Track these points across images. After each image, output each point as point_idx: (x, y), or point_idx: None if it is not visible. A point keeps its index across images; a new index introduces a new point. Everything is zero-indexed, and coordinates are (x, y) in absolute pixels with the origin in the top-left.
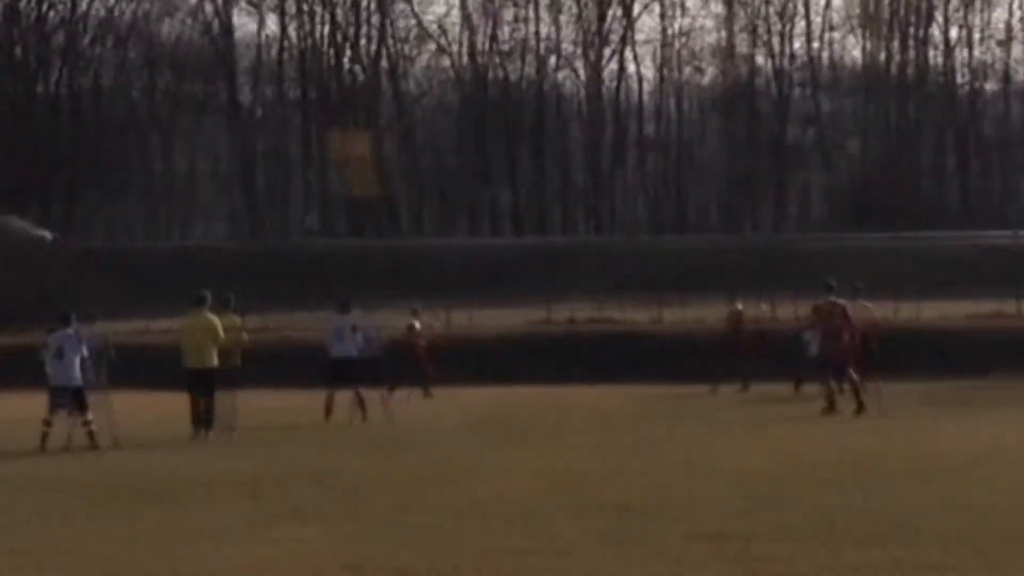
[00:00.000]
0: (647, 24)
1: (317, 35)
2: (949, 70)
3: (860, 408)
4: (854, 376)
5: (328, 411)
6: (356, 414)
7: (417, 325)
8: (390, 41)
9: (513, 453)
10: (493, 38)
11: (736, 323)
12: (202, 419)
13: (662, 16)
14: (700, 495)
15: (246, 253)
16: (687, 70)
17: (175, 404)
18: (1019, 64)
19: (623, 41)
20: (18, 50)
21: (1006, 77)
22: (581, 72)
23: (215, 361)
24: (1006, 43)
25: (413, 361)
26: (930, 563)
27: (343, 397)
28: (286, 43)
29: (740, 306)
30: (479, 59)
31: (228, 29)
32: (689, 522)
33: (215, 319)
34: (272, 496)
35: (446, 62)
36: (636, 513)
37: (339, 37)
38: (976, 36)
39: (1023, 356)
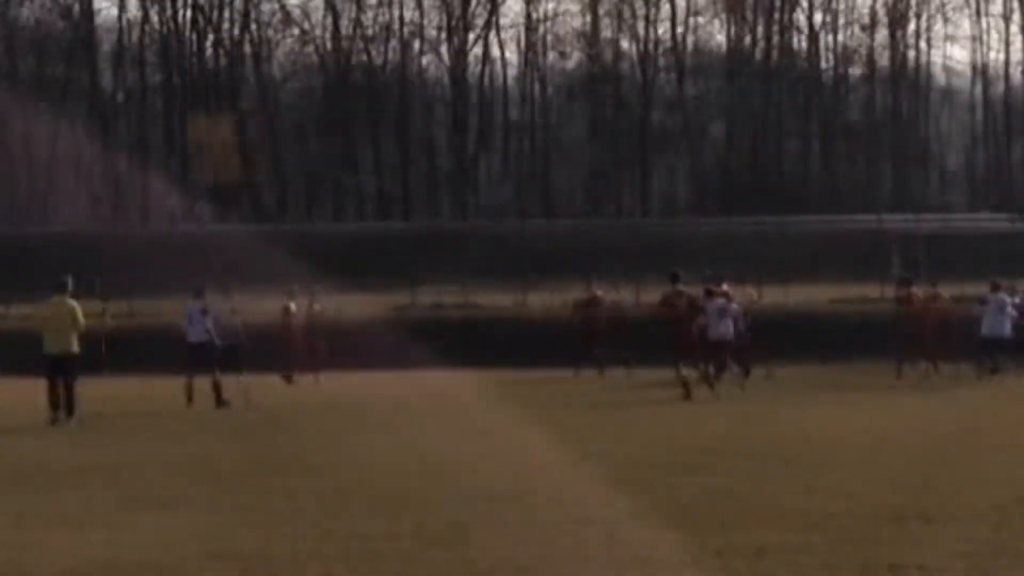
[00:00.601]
0: (512, 9)
1: (179, 19)
2: (814, 55)
3: (687, 396)
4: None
5: (189, 397)
6: (243, 398)
7: (293, 307)
8: (253, 26)
9: (377, 439)
10: (357, 23)
11: (593, 308)
12: (60, 405)
13: (527, 1)
14: (565, 481)
15: (108, 238)
16: (552, 55)
17: (34, 390)
18: (883, 49)
19: (487, 26)
20: None
21: (870, 62)
22: (445, 57)
23: (75, 347)
24: (870, 28)
25: (288, 344)
26: (794, 546)
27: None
28: (147, 27)
29: (600, 292)
30: (343, 44)
31: (89, 13)
32: (554, 508)
33: (76, 305)
34: (132, 483)
35: (309, 47)
36: (500, 500)
37: (201, 21)
38: (841, 21)
39: (886, 340)
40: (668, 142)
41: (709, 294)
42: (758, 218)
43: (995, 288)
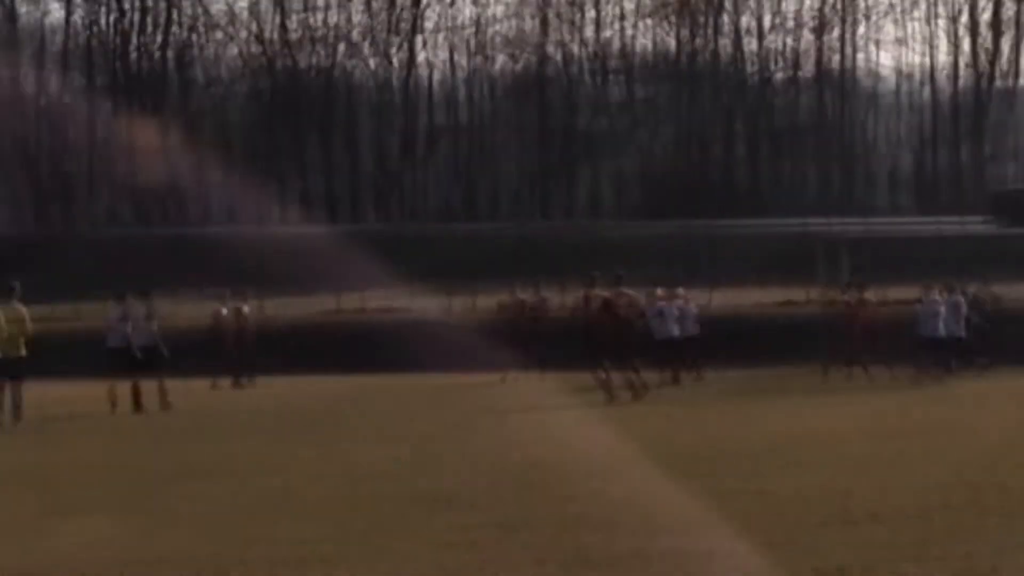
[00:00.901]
0: (438, 13)
1: (103, 22)
2: (740, 59)
3: (611, 399)
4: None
5: (112, 401)
6: (160, 403)
7: (224, 311)
8: (176, 28)
9: (306, 444)
10: (282, 27)
11: (519, 311)
12: None
13: (451, 4)
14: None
15: (31, 242)
16: (477, 59)
17: None
18: (809, 53)
19: (414, 30)
20: None
21: (795, 66)
22: (371, 61)
23: None
24: (796, 32)
25: (219, 348)
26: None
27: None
28: (71, 30)
29: (525, 296)
30: (268, 48)
31: (12, 16)
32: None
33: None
34: (59, 488)
35: (234, 50)
36: (426, 502)
37: (125, 24)
38: (767, 25)
39: (812, 344)
40: (594, 146)
41: (651, 298)
42: (685, 222)
43: (929, 290)
